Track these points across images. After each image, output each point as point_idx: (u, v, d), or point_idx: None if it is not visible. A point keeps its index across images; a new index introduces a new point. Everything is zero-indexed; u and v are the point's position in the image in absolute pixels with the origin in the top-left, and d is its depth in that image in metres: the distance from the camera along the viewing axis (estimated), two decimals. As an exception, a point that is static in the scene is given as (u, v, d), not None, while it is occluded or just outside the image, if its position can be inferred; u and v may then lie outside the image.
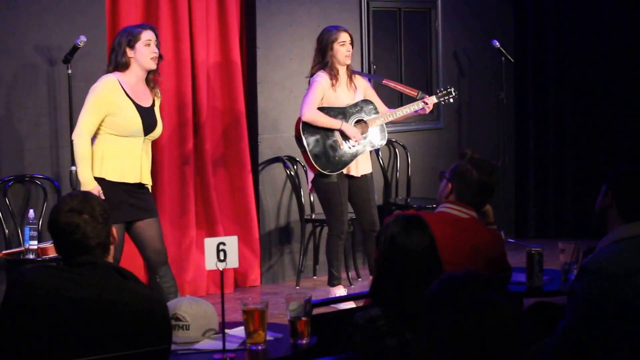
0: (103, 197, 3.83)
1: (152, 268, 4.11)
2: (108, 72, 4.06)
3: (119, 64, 4.02)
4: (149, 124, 4.06)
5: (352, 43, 4.90)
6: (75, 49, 4.54)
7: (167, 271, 4.15)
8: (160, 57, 4.10)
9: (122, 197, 4.00)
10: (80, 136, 3.97)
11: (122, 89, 4.00)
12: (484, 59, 6.65)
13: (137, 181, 4.06)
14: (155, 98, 4.14)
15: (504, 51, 6.24)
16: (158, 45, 4.08)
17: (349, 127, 4.88)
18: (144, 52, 4.01)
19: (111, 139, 4.00)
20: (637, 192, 2.44)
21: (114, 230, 2.38)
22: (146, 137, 4.07)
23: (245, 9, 5.61)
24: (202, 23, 5.32)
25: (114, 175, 4.01)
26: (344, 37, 4.86)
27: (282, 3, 5.69)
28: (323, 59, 4.86)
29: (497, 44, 6.25)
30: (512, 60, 6.39)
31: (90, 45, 4.67)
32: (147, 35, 4.02)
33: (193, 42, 5.30)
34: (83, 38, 4.54)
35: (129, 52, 4.02)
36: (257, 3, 5.57)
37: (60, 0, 4.85)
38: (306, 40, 5.73)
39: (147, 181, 4.12)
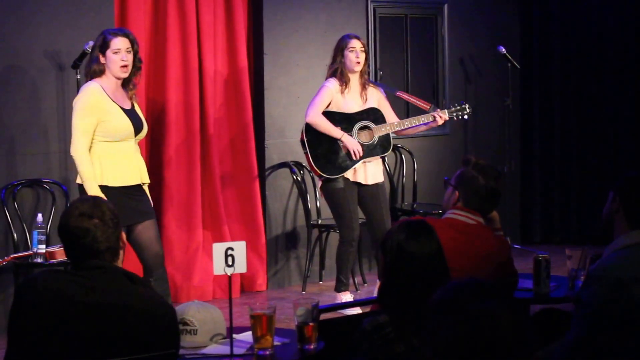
0: None
1: (149, 270, 4.10)
2: (86, 77, 4.07)
3: (95, 71, 4.01)
4: (137, 125, 4.08)
5: (365, 52, 4.91)
6: (84, 54, 4.56)
7: (163, 274, 4.14)
8: (139, 60, 4.06)
9: (123, 201, 3.97)
10: (78, 149, 3.95)
11: (106, 95, 4.00)
12: (489, 65, 6.66)
13: (138, 182, 4.09)
14: (133, 100, 4.14)
15: (509, 57, 6.25)
16: (134, 51, 4.03)
17: (349, 140, 4.86)
18: (114, 60, 3.98)
19: (106, 146, 4.00)
20: None
21: (124, 235, 2.40)
22: (136, 137, 4.09)
23: (252, 16, 5.64)
24: (209, 30, 5.35)
25: (115, 181, 4.01)
26: (353, 43, 4.87)
27: (289, 10, 5.71)
28: (334, 65, 4.90)
29: (503, 50, 6.26)
30: (518, 67, 6.40)
31: (91, 49, 4.68)
32: (116, 43, 3.98)
33: (201, 48, 5.33)
34: (92, 43, 4.56)
35: (102, 59, 4.01)
36: (264, 10, 5.60)
37: (69, 6, 4.88)
38: (313, 47, 5.76)
39: (146, 179, 4.15)
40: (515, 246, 6.27)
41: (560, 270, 3.67)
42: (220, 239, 5.31)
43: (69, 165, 4.84)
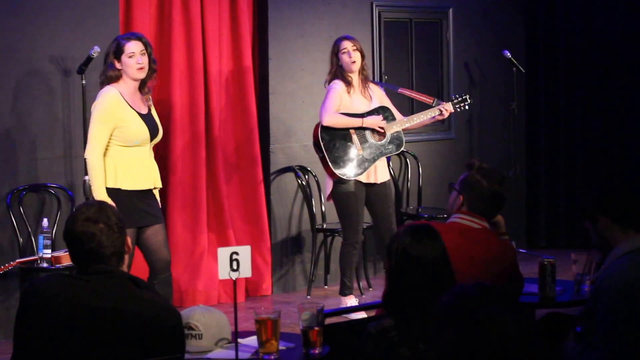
0: None
1: (155, 273, 4.15)
2: (102, 84, 4.10)
3: (111, 77, 4.07)
4: (153, 130, 4.13)
5: (359, 50, 4.92)
6: (89, 59, 4.58)
7: (168, 278, 4.17)
8: (154, 62, 4.12)
9: (135, 203, 4.06)
10: (92, 153, 4.01)
11: (124, 100, 4.06)
12: (495, 70, 6.66)
13: (151, 187, 4.15)
14: (149, 104, 4.18)
15: (515, 61, 6.25)
16: (148, 53, 4.09)
17: (370, 118, 4.91)
18: (130, 64, 4.05)
19: (122, 151, 4.05)
20: (633, 204, 2.47)
21: (129, 239, 2.41)
22: (151, 142, 4.15)
23: (257, 20, 5.65)
24: (214, 34, 5.36)
25: (129, 185, 4.07)
26: (344, 45, 4.93)
27: (294, 14, 5.72)
28: (334, 69, 4.95)
29: (508, 54, 6.26)
30: (523, 71, 6.40)
31: (104, 56, 4.71)
32: (130, 48, 4.05)
33: (206, 52, 5.34)
34: (97, 49, 4.58)
35: (117, 64, 4.07)
36: (270, 14, 5.61)
37: (75, 12, 4.89)
38: (317, 51, 5.77)
39: (159, 184, 4.21)
40: (521, 250, 6.25)
41: (565, 274, 3.66)
42: (225, 243, 5.32)
43: (74, 170, 4.86)
